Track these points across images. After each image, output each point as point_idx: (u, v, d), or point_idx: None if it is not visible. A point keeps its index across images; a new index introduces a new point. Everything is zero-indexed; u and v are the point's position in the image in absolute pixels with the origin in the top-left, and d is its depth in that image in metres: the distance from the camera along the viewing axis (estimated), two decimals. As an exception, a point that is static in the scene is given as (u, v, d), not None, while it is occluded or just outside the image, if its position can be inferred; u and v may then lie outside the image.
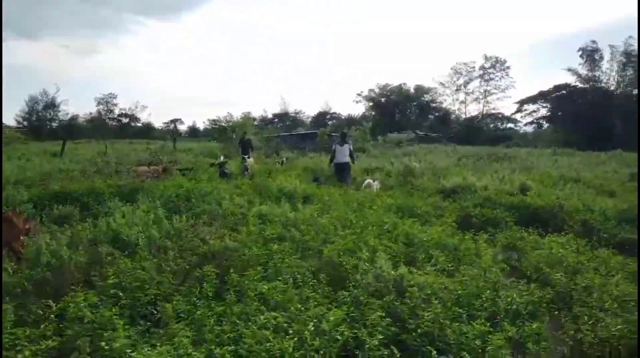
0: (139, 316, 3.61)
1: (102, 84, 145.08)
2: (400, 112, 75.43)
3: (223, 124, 66.23)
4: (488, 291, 4.23)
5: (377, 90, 76.48)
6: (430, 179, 15.02)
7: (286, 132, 56.51)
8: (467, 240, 6.36)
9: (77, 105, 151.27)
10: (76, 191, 10.17)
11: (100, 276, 4.28)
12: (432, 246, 5.78)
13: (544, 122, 66.37)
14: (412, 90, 75.17)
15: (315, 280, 4.55)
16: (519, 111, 68.56)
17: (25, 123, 66.72)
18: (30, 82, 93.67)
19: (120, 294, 3.77)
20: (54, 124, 69.04)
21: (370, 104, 77.73)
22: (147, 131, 73.77)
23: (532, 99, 65.55)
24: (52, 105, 68.91)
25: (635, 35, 55.05)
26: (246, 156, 21.99)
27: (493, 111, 73.75)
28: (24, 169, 15.88)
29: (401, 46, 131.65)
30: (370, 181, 13.84)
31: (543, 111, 65.71)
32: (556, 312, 4.28)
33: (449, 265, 5.04)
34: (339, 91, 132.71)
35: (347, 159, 15.02)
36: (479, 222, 8.62)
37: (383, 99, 75.50)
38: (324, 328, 3.28)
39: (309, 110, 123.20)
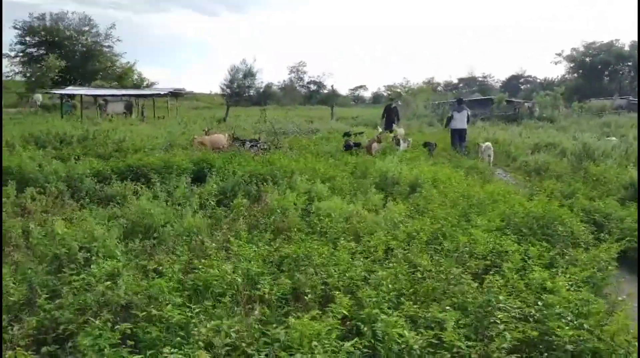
0: None
1: (296, 52, 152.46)
2: (609, 75, 63.26)
3: (398, 90, 63.82)
4: None
5: (581, 49, 64.98)
6: (619, 165, 10.73)
7: (470, 98, 51.31)
8: (622, 313, 3.15)
9: (275, 73, 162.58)
10: (148, 166, 9.05)
11: None
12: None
13: None
14: (626, 47, 61.95)
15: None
16: None
17: (228, 91, 72.76)
18: (239, 54, 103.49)
19: None
20: (251, 92, 73.92)
21: (572, 65, 66.72)
22: (333, 97, 74.68)
23: None
24: (249, 74, 73.58)
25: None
26: (394, 125, 19.41)
27: None
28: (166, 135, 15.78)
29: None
30: (489, 144, 13.36)
31: None
32: None
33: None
34: (535, 51, 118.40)
35: (465, 125, 15.07)
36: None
37: (588, 59, 63.91)
38: None
39: (499, 74, 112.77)
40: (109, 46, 56.47)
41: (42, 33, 50.87)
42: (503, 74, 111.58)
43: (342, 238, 4.99)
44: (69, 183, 8.01)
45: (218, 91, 72.04)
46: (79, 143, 12.98)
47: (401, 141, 13.92)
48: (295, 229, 5.48)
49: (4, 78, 35.92)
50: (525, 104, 36.88)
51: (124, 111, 30.98)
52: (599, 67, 62.51)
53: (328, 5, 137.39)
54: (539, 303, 3.29)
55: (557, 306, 3.18)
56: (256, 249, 4.37)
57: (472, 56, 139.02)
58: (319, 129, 22.10)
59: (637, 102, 43.70)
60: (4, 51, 43.03)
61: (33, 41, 51.22)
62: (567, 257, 4.50)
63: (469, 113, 15.42)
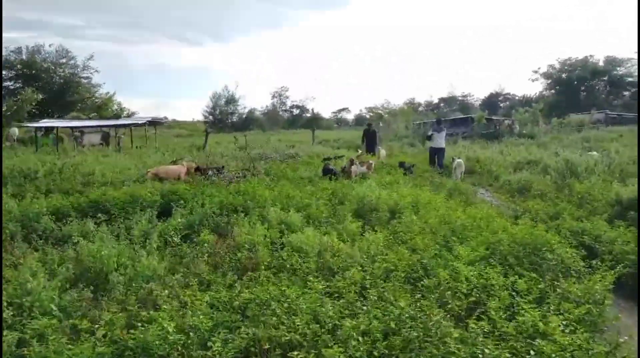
0: None
1: (278, 77, 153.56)
2: (585, 90, 64.36)
3: (380, 111, 64.07)
4: None
5: (557, 65, 66.24)
6: (603, 181, 10.45)
7: (450, 117, 51.53)
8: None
9: (257, 99, 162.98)
10: (112, 200, 8.51)
11: None
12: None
13: None
14: (601, 62, 63.21)
15: None
16: None
17: (210, 117, 72.17)
18: (222, 81, 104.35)
19: None
20: (234, 118, 73.32)
21: (548, 81, 67.85)
22: (316, 121, 74.23)
23: None
24: (232, 100, 73.10)
25: None
26: (378, 148, 19.18)
27: None
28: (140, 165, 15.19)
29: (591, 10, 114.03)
30: (460, 161, 14.08)
31: None
32: None
33: None
34: (514, 70, 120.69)
35: (444, 144, 15.83)
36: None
37: (564, 75, 65.04)
38: None
39: (479, 93, 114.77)
40: (87, 77, 55.92)
41: (19, 66, 50.26)
42: (482, 92, 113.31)
43: (312, 277, 4.53)
44: (23, 223, 7.43)
45: (201, 118, 71.68)
46: (45, 178, 12.35)
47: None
48: (263, 267, 5.00)
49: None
50: (505, 121, 37.05)
51: (101, 141, 30.30)
52: (575, 82, 63.58)
53: (311, 30, 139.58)
54: (532, 352, 2.85)
55: (552, 356, 2.74)
56: (214, 295, 3.88)
57: (453, 75, 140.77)
58: (299, 153, 21.69)
59: (620, 115, 44.30)
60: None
61: (9, 75, 50.55)
62: (558, 290, 4.07)
63: (446, 133, 16.56)
